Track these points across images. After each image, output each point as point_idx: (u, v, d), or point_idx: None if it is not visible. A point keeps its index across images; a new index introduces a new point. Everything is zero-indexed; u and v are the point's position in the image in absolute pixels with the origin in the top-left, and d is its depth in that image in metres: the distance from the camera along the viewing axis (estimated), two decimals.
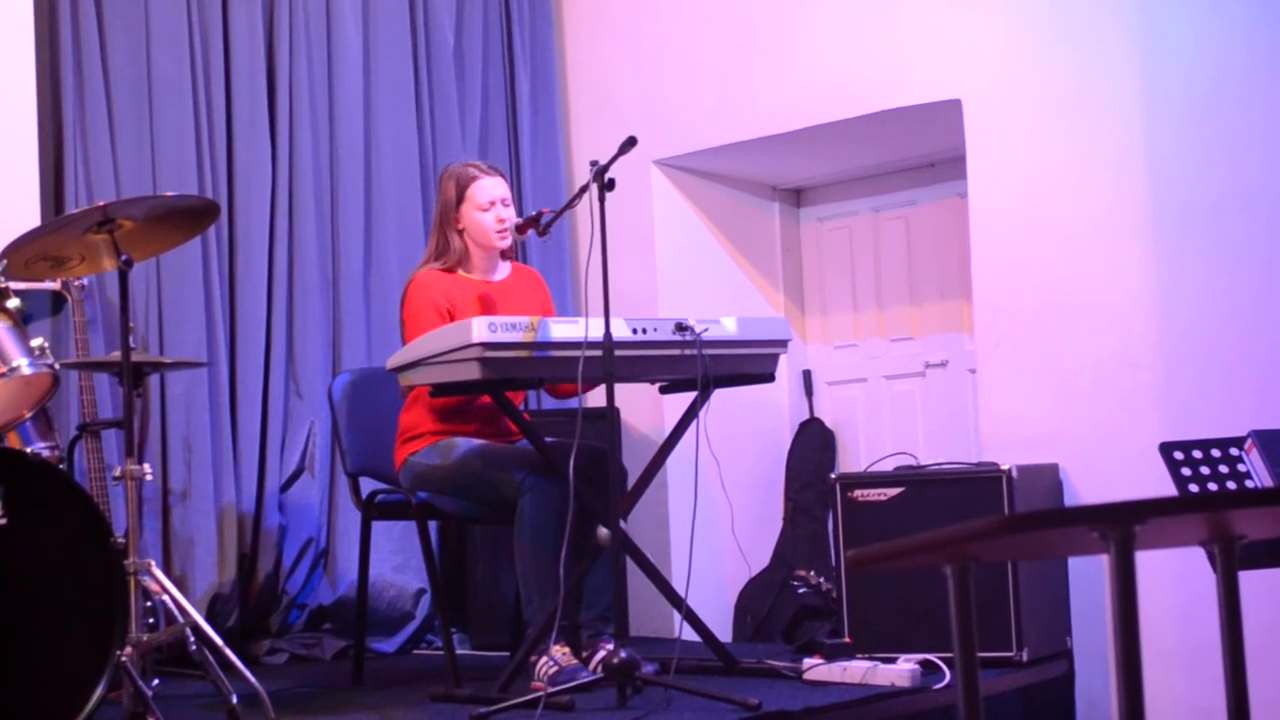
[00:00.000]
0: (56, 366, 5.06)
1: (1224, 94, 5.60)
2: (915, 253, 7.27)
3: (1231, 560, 2.60)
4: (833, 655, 5.32)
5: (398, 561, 6.69)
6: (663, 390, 5.65)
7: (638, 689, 4.75)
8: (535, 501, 5.15)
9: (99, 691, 4.38)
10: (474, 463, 5.35)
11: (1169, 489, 4.27)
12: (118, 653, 4.39)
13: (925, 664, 5.20)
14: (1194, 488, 4.31)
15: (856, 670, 5.18)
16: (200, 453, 6.33)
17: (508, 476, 5.24)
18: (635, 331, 5.03)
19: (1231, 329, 5.57)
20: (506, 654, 5.82)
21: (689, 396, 5.30)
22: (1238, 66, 5.59)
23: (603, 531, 4.97)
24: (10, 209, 5.82)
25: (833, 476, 5.86)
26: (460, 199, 5.56)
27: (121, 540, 4.57)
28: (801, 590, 6.65)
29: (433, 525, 6.28)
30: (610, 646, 4.87)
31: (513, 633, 5.94)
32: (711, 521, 6.23)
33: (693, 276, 7.23)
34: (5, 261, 4.70)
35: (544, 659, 5.04)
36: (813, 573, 6.72)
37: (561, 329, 4.95)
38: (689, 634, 5.38)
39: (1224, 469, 4.35)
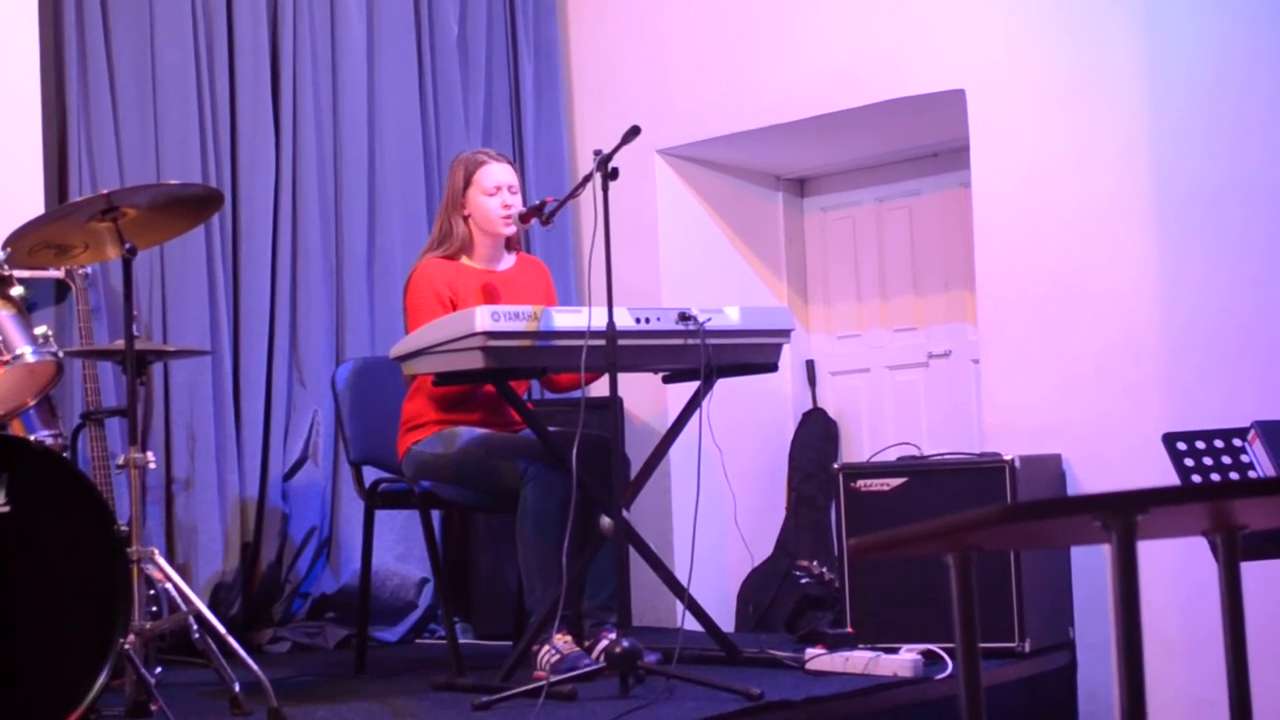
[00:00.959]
0: (60, 354, 5.06)
1: (1226, 83, 5.60)
2: (918, 243, 7.27)
3: (1234, 550, 2.60)
4: (835, 645, 5.33)
5: (400, 550, 6.70)
6: (666, 380, 5.65)
7: (640, 678, 4.75)
8: (538, 491, 5.15)
9: (102, 679, 4.38)
10: (477, 452, 5.35)
11: (1172, 479, 4.27)
12: (121, 641, 4.39)
13: (927, 654, 5.20)
14: (1197, 478, 4.31)
15: (859, 660, 5.19)
16: (204, 441, 6.33)
17: (510, 465, 5.24)
18: (638, 321, 5.03)
19: (1235, 319, 5.56)
20: (509, 643, 5.82)
21: (692, 386, 5.30)
22: (1239, 56, 5.59)
23: (605, 521, 4.97)
24: (14, 197, 5.82)
25: (835, 466, 5.85)
26: (467, 183, 5.56)
27: (125, 528, 4.57)
28: (804, 580, 6.65)
29: (435, 514, 6.28)
30: (613, 636, 4.87)
31: (515, 622, 5.94)
32: (714, 511, 6.23)
33: (696, 266, 7.23)
34: (9, 249, 4.70)
35: (546, 648, 5.04)
36: (815, 563, 6.73)
37: (564, 318, 4.95)
38: (691, 623, 5.38)
39: (1227, 459, 4.35)
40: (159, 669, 4.76)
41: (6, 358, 4.88)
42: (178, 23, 6.45)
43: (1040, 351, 5.97)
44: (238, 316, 6.56)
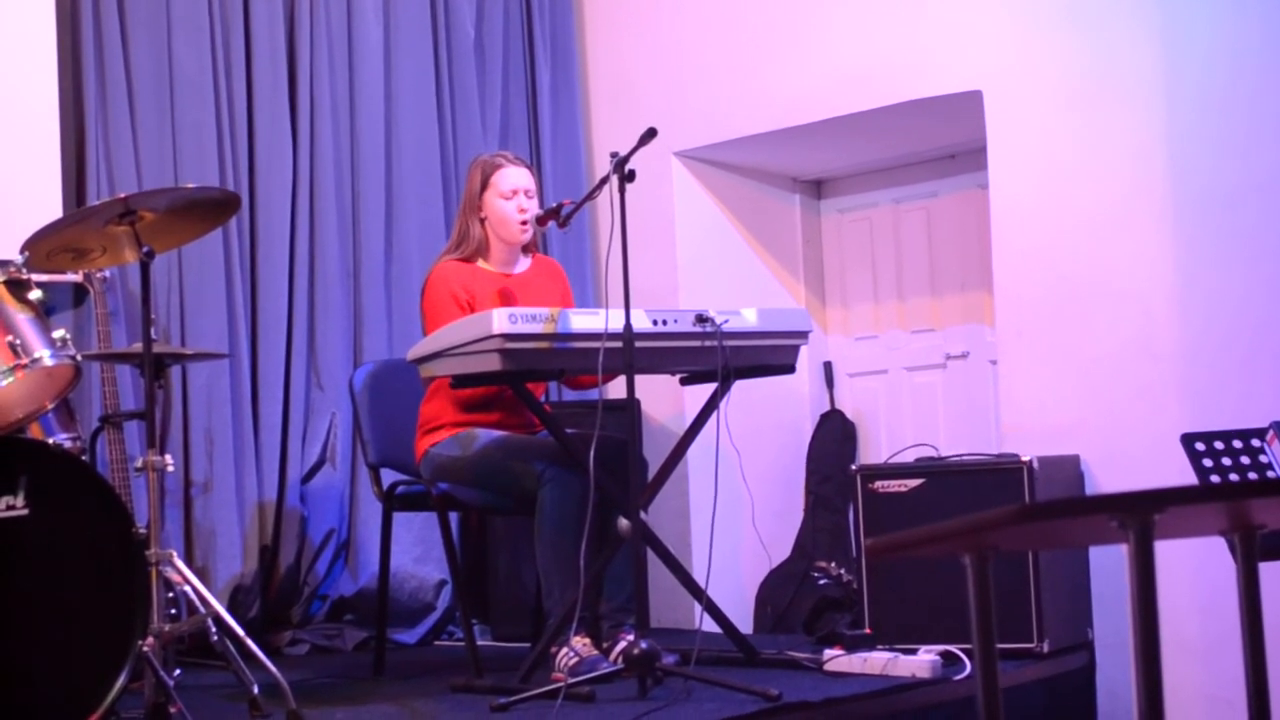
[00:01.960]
0: (78, 358, 5.07)
1: (1241, 83, 5.59)
2: (936, 244, 7.26)
3: (1252, 550, 2.60)
4: (853, 646, 5.32)
5: (418, 553, 6.70)
6: (683, 382, 5.65)
7: (658, 680, 4.75)
8: (556, 493, 5.15)
9: (121, 681, 4.39)
10: (495, 454, 5.35)
11: (1190, 480, 4.27)
12: (139, 643, 4.40)
13: (946, 655, 5.19)
14: (1215, 479, 4.30)
15: (877, 661, 5.18)
16: (222, 444, 6.34)
17: (528, 468, 5.24)
18: (655, 323, 5.03)
19: (1252, 319, 5.55)
20: (527, 645, 5.82)
21: (709, 388, 5.30)
22: (1254, 56, 5.58)
23: (623, 523, 4.97)
24: (32, 201, 5.84)
25: (853, 468, 5.85)
26: (484, 186, 5.56)
27: (143, 531, 4.58)
28: (822, 581, 6.64)
29: (453, 516, 6.28)
30: (631, 637, 4.86)
31: (533, 624, 5.95)
32: (732, 513, 6.23)
33: (713, 268, 7.22)
34: (27, 253, 4.71)
35: (565, 650, 5.05)
36: (833, 564, 6.72)
37: (582, 320, 4.95)
38: (709, 625, 5.39)
39: (1245, 460, 4.35)
40: (178, 671, 4.77)
41: (25, 361, 4.89)
42: (195, 27, 6.46)
43: (1058, 352, 5.97)
44: (255, 319, 6.57)
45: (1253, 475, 4.32)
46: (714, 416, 5.23)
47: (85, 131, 6.19)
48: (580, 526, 4.89)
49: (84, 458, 5.52)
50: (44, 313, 5.09)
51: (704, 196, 7.28)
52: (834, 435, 7.31)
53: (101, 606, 4.42)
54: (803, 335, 5.44)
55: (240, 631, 4.70)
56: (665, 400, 6.88)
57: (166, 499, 5.75)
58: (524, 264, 5.69)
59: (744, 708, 4.57)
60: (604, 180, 4.97)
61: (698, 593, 5.36)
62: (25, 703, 4.27)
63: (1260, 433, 4.39)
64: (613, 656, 5.08)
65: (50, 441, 5.17)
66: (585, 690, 4.70)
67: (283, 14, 6.73)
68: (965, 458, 5.79)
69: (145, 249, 4.61)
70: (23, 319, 4.96)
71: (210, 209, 4.98)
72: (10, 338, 4.88)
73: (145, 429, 4.70)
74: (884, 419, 7.38)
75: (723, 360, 5.05)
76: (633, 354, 4.79)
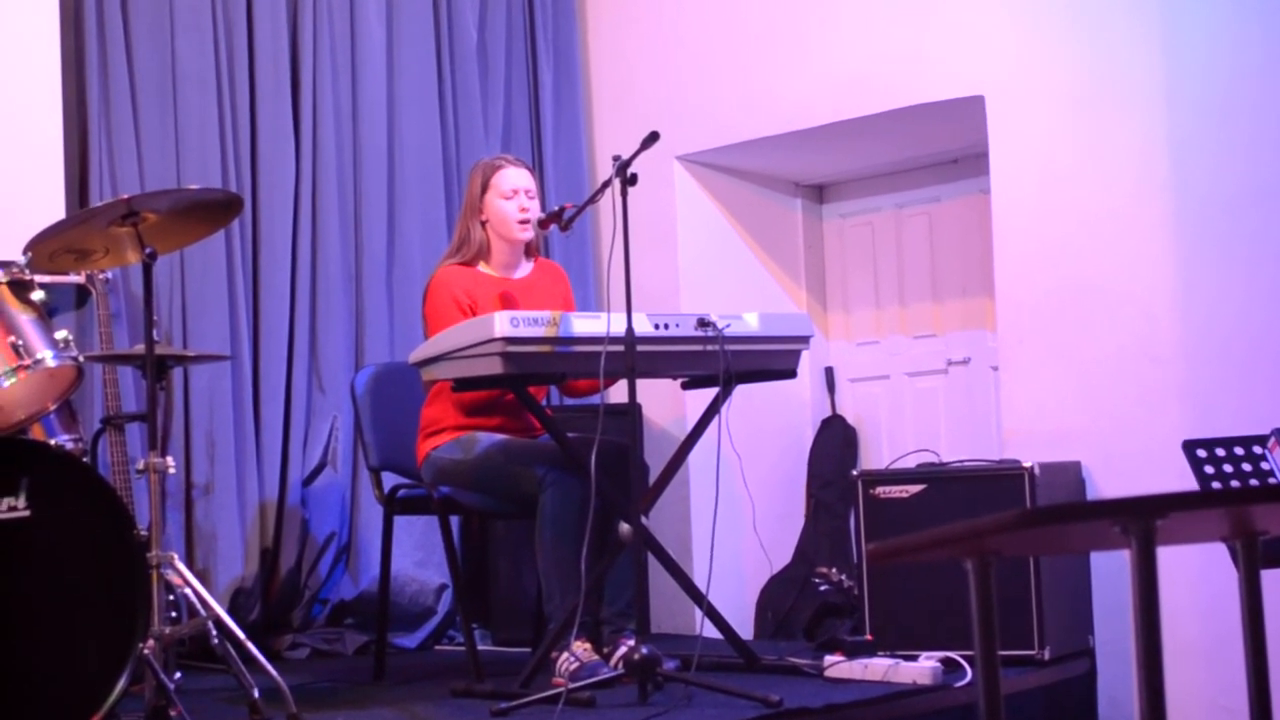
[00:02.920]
0: (80, 359, 5.07)
1: (1242, 88, 5.59)
2: (938, 249, 7.26)
3: (1253, 557, 2.60)
4: (854, 652, 5.32)
5: (419, 556, 6.70)
6: (684, 386, 5.65)
7: (658, 685, 4.74)
8: (557, 497, 5.16)
9: (121, 684, 4.39)
10: (496, 457, 5.35)
11: (1192, 487, 4.27)
12: (140, 646, 4.40)
13: (947, 661, 5.19)
14: (1217, 485, 4.30)
15: (878, 668, 5.18)
16: (223, 446, 6.34)
17: (529, 471, 5.24)
18: (657, 327, 5.02)
19: (1254, 324, 5.55)
20: (528, 650, 5.83)
21: (711, 392, 5.30)
22: (1255, 60, 5.58)
23: (624, 527, 4.97)
24: (35, 202, 5.85)
25: (854, 473, 5.85)
26: (485, 188, 5.57)
27: (144, 533, 4.59)
28: (823, 587, 6.64)
29: (454, 520, 6.28)
30: (631, 643, 4.87)
31: (534, 628, 5.94)
32: (733, 518, 6.23)
33: (715, 272, 7.22)
34: (30, 254, 4.71)
35: (565, 655, 5.04)
36: (834, 570, 6.72)
37: (583, 324, 4.94)
38: (710, 630, 5.38)
39: (1247, 467, 4.34)
40: (178, 674, 4.77)
41: (27, 362, 4.89)
42: (198, 29, 6.47)
43: (1059, 358, 5.96)
44: (257, 322, 6.57)
45: (1254, 482, 4.32)
46: (715, 421, 5.23)
47: (88, 133, 6.19)
48: (581, 531, 4.89)
49: (85, 459, 5.53)
50: (46, 314, 5.09)
51: (706, 200, 7.28)
52: (835, 440, 7.30)
53: (102, 609, 4.42)
54: (804, 340, 5.44)
55: (241, 635, 4.69)
56: (666, 404, 6.88)
57: (168, 501, 5.74)
58: (525, 268, 5.69)
59: (744, 713, 4.57)
60: (606, 184, 4.97)
61: (698, 598, 5.35)
62: (26, 705, 4.27)
63: (1261, 439, 4.39)
64: (613, 662, 5.08)
65: (52, 443, 5.17)
66: (586, 695, 4.69)
67: (285, 16, 6.73)
68: (967, 463, 5.79)
69: (148, 250, 4.61)
70: (25, 320, 4.97)
71: (213, 211, 4.98)
72: (12, 339, 4.88)
73: (147, 431, 4.70)
74: (885, 424, 7.38)
75: (724, 365, 5.05)
76: (634, 358, 4.79)
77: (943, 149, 7.02)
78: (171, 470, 4.73)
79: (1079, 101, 5.95)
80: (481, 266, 5.58)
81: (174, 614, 5.03)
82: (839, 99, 6.60)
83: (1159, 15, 5.75)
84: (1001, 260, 6.15)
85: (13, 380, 4.88)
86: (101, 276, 5.84)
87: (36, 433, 5.35)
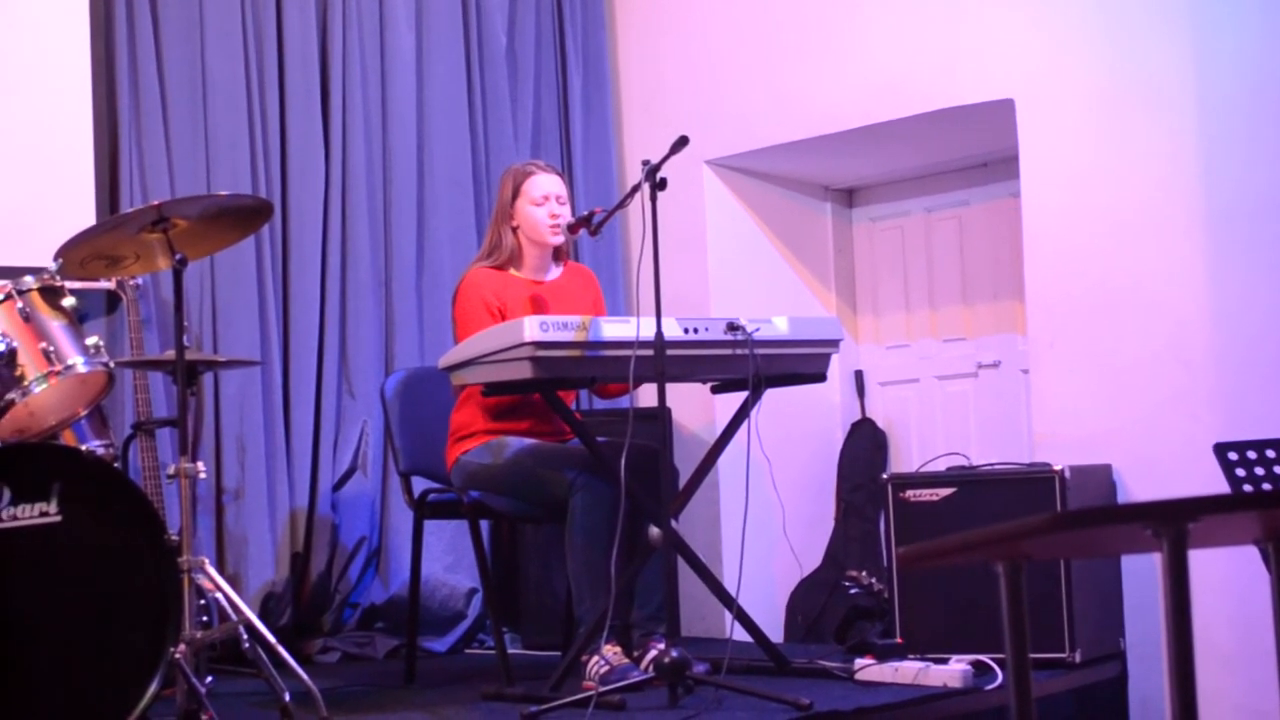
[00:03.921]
0: (111, 365, 5.09)
1: (1271, 89, 5.57)
2: (968, 253, 7.25)
3: None
4: (884, 656, 5.31)
5: (450, 561, 6.70)
6: (714, 390, 5.65)
7: (689, 689, 4.75)
8: (586, 501, 5.16)
9: (153, 688, 4.39)
10: (525, 462, 5.35)
11: (1223, 489, 4.26)
12: (172, 650, 4.41)
13: (977, 665, 5.18)
14: (1248, 488, 4.29)
15: (908, 671, 5.17)
16: (254, 451, 6.36)
17: (559, 476, 5.24)
18: (687, 331, 5.02)
19: None
20: (558, 653, 5.82)
21: (740, 396, 5.30)
22: None
23: (654, 531, 4.97)
24: (66, 208, 5.87)
25: (885, 477, 5.85)
26: (515, 194, 5.57)
27: (175, 538, 4.59)
28: (853, 591, 6.63)
29: (484, 524, 6.29)
30: (661, 646, 4.87)
31: (564, 632, 5.94)
32: (763, 521, 6.22)
33: (744, 276, 7.22)
34: (61, 260, 4.73)
35: (595, 658, 5.04)
36: (864, 573, 6.71)
37: (613, 328, 4.94)
38: (740, 634, 5.38)
39: (1278, 469, 4.33)
40: (210, 678, 4.78)
41: (58, 368, 4.91)
42: (228, 35, 6.48)
43: (1090, 361, 5.95)
44: (287, 327, 6.58)
45: None
46: (745, 425, 5.23)
47: (119, 139, 6.21)
48: (611, 535, 4.89)
49: (116, 465, 5.56)
50: (77, 320, 5.11)
51: (736, 205, 7.28)
52: (865, 444, 7.29)
53: (134, 613, 4.43)
54: (834, 344, 5.44)
55: (272, 639, 4.69)
56: (696, 408, 6.88)
57: (198, 506, 5.75)
58: (555, 271, 5.69)
59: (775, 717, 4.58)
60: (635, 188, 4.97)
61: (728, 601, 5.35)
62: (58, 709, 4.28)
63: None
64: (643, 665, 5.08)
65: (83, 448, 5.19)
66: (616, 699, 4.70)
67: (315, 22, 6.74)
68: (997, 467, 5.78)
69: (178, 256, 4.62)
70: (56, 326, 4.99)
71: (243, 216, 4.99)
72: (44, 345, 4.90)
73: (178, 436, 4.71)
74: (915, 428, 7.37)
75: (754, 368, 5.05)
76: (664, 362, 4.79)
77: (972, 152, 7.02)
78: (202, 475, 4.74)
79: (1109, 104, 5.93)
80: (512, 270, 5.59)
81: (205, 618, 5.03)
82: (869, 103, 6.60)
83: (1188, 18, 5.74)
84: (1031, 263, 6.14)
85: (44, 386, 4.89)
86: (132, 282, 5.86)
87: (68, 438, 5.38)
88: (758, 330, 5.11)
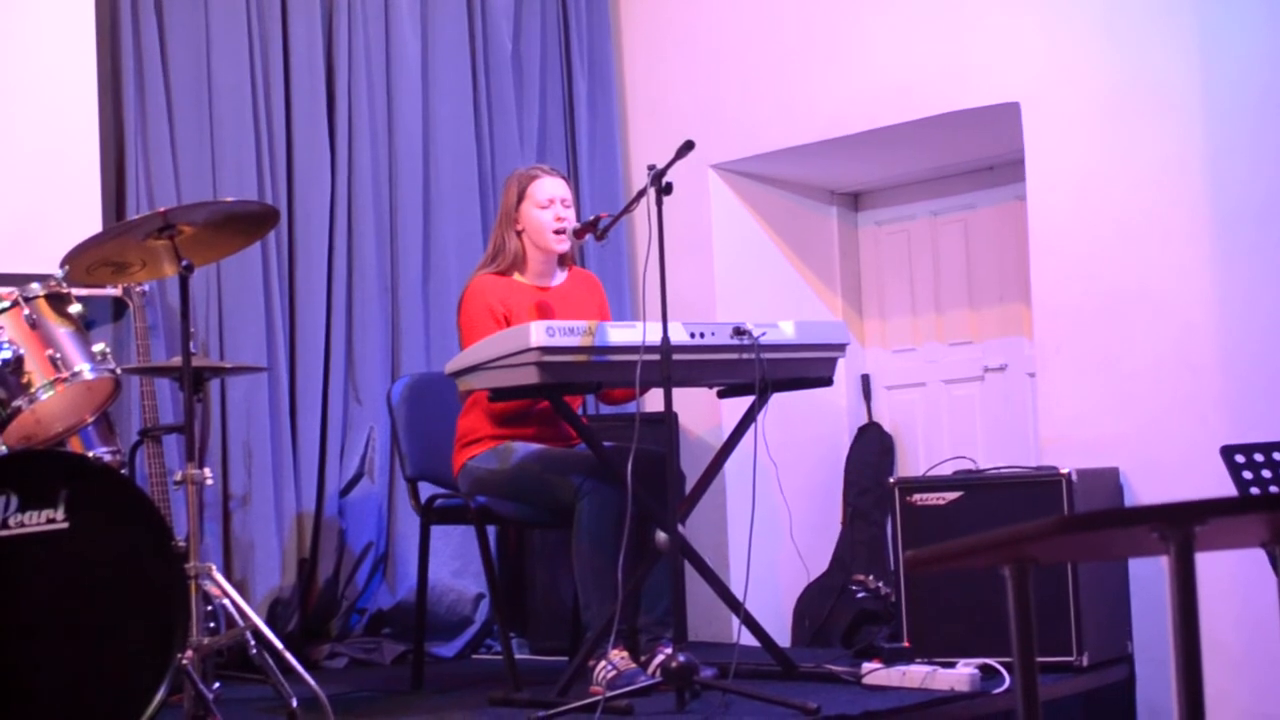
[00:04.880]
0: (118, 371, 5.09)
1: (1278, 93, 5.57)
2: (974, 256, 7.25)
3: None
4: (892, 660, 5.31)
5: (457, 566, 6.71)
6: (720, 394, 5.65)
7: (696, 693, 4.74)
8: (593, 506, 5.16)
9: (160, 695, 4.41)
10: (532, 467, 5.35)
11: (1230, 492, 4.25)
12: (179, 656, 4.42)
13: (985, 668, 5.18)
14: (1255, 491, 4.29)
15: (916, 675, 5.17)
16: (260, 457, 6.36)
17: (566, 481, 5.24)
18: (693, 335, 5.02)
19: None
20: (565, 658, 5.83)
21: (747, 401, 5.30)
22: None
23: (661, 536, 4.97)
24: (72, 215, 5.88)
25: (891, 481, 5.84)
26: (520, 198, 5.57)
27: (182, 544, 4.59)
28: (860, 595, 6.63)
29: (491, 530, 6.28)
30: (669, 650, 4.87)
31: (571, 637, 5.95)
32: (770, 526, 6.22)
33: (750, 281, 7.22)
34: (67, 268, 4.73)
35: (602, 663, 5.04)
36: (871, 577, 6.71)
37: (619, 333, 4.94)
38: (747, 638, 5.38)
39: None
40: (217, 684, 4.78)
41: (65, 375, 4.91)
42: (234, 42, 6.49)
43: (1096, 365, 5.95)
44: (294, 333, 6.59)
45: None
46: (751, 429, 5.22)
47: (125, 146, 6.22)
48: (618, 539, 4.89)
49: (123, 471, 5.56)
50: (84, 327, 5.11)
51: (741, 209, 7.28)
52: (872, 448, 7.29)
53: (141, 620, 4.44)
54: (840, 348, 5.44)
55: (279, 645, 4.69)
56: (703, 413, 6.88)
57: (205, 512, 5.76)
58: (560, 277, 5.69)
59: None
60: (641, 193, 4.97)
61: (735, 606, 5.35)
62: (65, 716, 4.29)
63: None
64: (651, 670, 5.08)
65: (90, 455, 5.20)
66: (623, 703, 4.69)
67: (321, 29, 6.75)
68: (1004, 470, 5.77)
69: (184, 263, 4.63)
70: (63, 333, 4.99)
71: (249, 223, 4.99)
72: (50, 351, 4.90)
73: (184, 442, 4.71)
74: (922, 432, 7.37)
75: (760, 373, 5.05)
76: (670, 367, 4.79)
77: (978, 156, 7.01)
78: (209, 481, 4.74)
79: (1115, 108, 5.93)
80: (516, 276, 5.59)
81: (212, 624, 5.04)
82: (874, 107, 6.60)
83: (1195, 22, 5.74)
84: (1038, 267, 6.14)
85: (51, 393, 4.90)
86: (138, 289, 5.87)
87: (75, 445, 5.38)
88: (764, 335, 5.10)
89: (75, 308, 5.06)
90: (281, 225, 6.45)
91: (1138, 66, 5.87)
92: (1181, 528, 2.17)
